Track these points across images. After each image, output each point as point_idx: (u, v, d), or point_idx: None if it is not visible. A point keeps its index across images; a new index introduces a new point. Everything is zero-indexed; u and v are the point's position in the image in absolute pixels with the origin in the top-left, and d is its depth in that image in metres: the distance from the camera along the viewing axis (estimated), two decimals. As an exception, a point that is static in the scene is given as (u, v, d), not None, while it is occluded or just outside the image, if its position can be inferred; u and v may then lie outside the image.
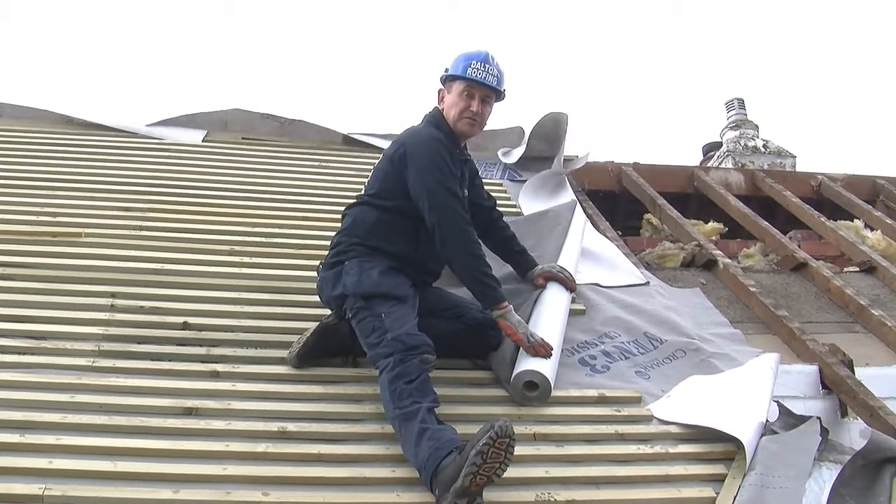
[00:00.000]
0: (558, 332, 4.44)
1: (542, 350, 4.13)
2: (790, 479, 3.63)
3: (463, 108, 4.31)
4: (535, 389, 4.08)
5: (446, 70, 4.38)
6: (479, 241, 4.32)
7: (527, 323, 4.29)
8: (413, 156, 4.22)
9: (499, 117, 6.87)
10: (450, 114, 4.34)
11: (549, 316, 4.53)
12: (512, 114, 7.12)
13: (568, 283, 4.84)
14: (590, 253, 5.62)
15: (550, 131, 7.03)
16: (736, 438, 3.82)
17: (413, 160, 4.21)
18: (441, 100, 4.41)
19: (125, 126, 6.91)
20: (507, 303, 4.20)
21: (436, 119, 4.38)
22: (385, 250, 4.20)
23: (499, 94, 4.41)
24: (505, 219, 4.95)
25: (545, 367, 4.11)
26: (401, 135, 4.45)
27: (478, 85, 4.30)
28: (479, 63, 4.29)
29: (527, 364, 4.10)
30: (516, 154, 7.11)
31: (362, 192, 4.45)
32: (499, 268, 4.66)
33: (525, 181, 6.79)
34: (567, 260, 5.11)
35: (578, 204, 6.18)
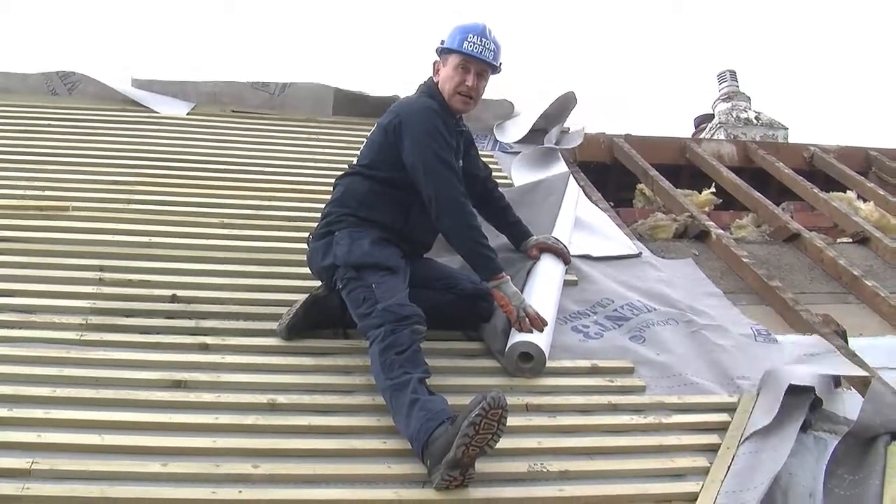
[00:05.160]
0: (552, 305, 4.42)
1: (527, 326, 4.09)
2: (780, 439, 3.64)
3: (458, 82, 4.26)
4: (529, 361, 4.05)
5: (442, 42, 4.32)
6: (475, 211, 4.28)
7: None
8: (408, 126, 4.17)
9: (493, 91, 6.85)
10: (444, 87, 4.29)
11: (543, 288, 4.50)
12: (507, 86, 7.15)
13: (563, 254, 4.81)
14: (582, 223, 5.58)
15: (553, 110, 7.05)
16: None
17: (408, 131, 4.16)
18: (436, 72, 4.36)
19: (110, 83, 6.89)
20: (504, 273, 4.17)
21: (430, 90, 4.33)
22: (376, 221, 4.16)
23: (495, 69, 4.36)
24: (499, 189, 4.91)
25: (540, 339, 4.09)
26: (395, 105, 4.41)
27: (473, 59, 4.25)
28: (475, 37, 4.24)
29: (522, 335, 4.08)
30: (511, 133, 7.08)
31: (354, 161, 4.41)
32: (492, 238, 4.63)
33: (516, 153, 6.76)
34: (561, 231, 5.09)
35: (572, 175, 6.14)
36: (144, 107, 6.78)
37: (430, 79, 4.38)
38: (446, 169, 4.14)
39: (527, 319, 4.10)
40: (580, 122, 7.30)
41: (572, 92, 7.11)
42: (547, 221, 5.16)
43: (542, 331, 4.12)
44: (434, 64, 4.38)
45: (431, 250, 4.48)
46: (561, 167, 6.51)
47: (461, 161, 4.39)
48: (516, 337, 4.09)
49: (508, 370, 4.07)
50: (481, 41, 4.24)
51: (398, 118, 4.23)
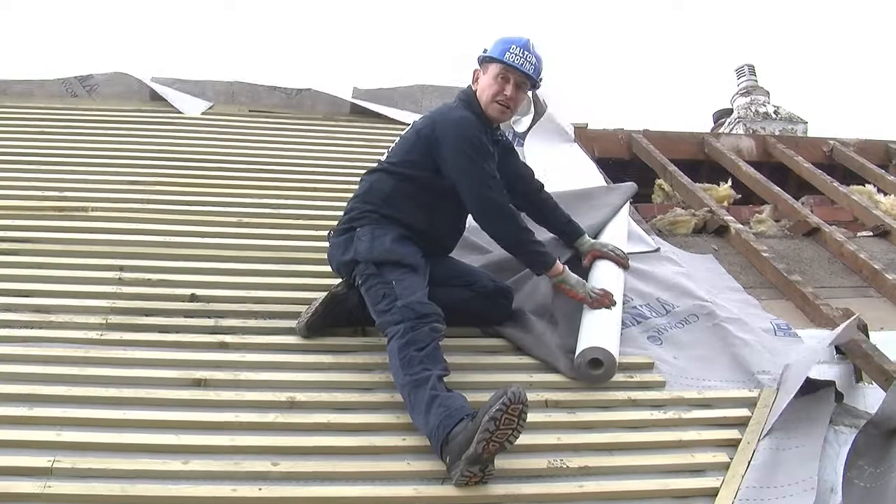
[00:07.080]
0: (616, 312, 4.36)
1: (605, 300, 4.20)
2: (806, 437, 3.61)
3: (496, 91, 4.25)
4: (599, 367, 3.99)
5: (485, 51, 4.31)
6: (516, 209, 4.27)
7: None
8: (446, 138, 4.15)
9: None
10: (482, 96, 4.28)
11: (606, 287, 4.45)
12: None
13: (620, 261, 4.72)
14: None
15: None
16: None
17: (446, 142, 4.15)
18: (475, 80, 4.34)
19: (130, 73, 6.97)
20: (559, 263, 4.21)
21: (468, 98, 4.32)
22: (399, 219, 4.15)
23: (534, 83, 4.35)
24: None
25: (612, 345, 4.05)
26: (433, 113, 4.41)
27: (514, 70, 4.24)
28: (518, 48, 4.23)
29: (592, 341, 4.03)
30: (526, 122, 7.10)
31: (383, 158, 4.39)
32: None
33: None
34: (612, 236, 5.04)
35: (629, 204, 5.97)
36: (162, 107, 6.80)
37: (469, 87, 4.37)
38: (483, 174, 4.13)
39: (600, 298, 4.21)
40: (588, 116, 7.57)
41: None
42: (593, 225, 5.07)
43: (610, 307, 4.22)
44: (474, 72, 4.36)
45: (456, 251, 4.48)
46: (571, 143, 6.74)
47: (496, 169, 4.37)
48: (584, 344, 4.05)
49: (576, 376, 4.03)
50: (524, 53, 4.23)
51: (434, 128, 4.21)
